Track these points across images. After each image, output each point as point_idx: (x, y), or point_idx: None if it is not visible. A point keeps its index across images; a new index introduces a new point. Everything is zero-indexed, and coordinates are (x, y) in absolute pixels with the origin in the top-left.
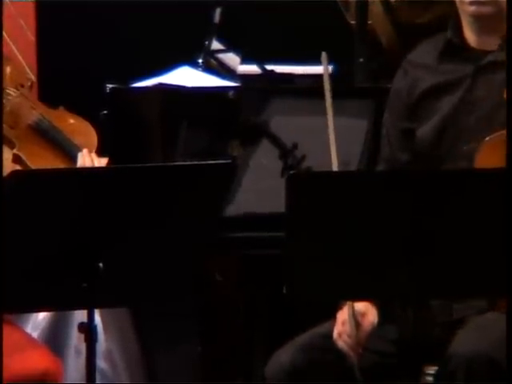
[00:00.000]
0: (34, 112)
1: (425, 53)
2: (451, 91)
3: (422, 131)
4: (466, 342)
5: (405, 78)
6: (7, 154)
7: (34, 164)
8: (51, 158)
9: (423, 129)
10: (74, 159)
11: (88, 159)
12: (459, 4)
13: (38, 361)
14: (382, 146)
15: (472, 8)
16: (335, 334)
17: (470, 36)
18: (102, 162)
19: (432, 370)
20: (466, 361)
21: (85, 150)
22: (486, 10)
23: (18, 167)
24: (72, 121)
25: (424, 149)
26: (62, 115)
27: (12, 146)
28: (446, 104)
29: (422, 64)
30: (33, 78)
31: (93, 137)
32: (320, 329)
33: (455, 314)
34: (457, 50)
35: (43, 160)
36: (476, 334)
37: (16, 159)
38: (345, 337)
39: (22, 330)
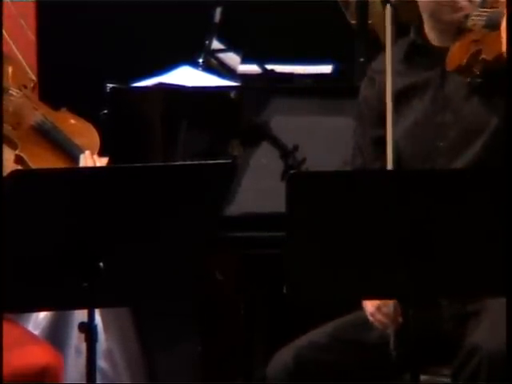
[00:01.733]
0: (37, 113)
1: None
2: (421, 92)
3: (396, 134)
4: (487, 338)
5: (372, 86)
6: (9, 155)
7: (35, 165)
8: (53, 159)
9: (397, 132)
10: (76, 160)
11: (90, 161)
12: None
13: (38, 355)
14: (353, 156)
15: (483, 20)
16: (372, 309)
17: (431, 35)
18: (103, 163)
19: (447, 368)
20: (489, 358)
21: (87, 152)
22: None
23: (19, 168)
24: (74, 122)
25: (399, 152)
26: (65, 116)
27: (14, 147)
28: (418, 105)
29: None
30: (35, 78)
31: (95, 138)
32: (323, 328)
33: (469, 307)
34: (421, 51)
35: (45, 161)
36: (496, 330)
37: (18, 160)
38: (384, 309)
39: (22, 326)
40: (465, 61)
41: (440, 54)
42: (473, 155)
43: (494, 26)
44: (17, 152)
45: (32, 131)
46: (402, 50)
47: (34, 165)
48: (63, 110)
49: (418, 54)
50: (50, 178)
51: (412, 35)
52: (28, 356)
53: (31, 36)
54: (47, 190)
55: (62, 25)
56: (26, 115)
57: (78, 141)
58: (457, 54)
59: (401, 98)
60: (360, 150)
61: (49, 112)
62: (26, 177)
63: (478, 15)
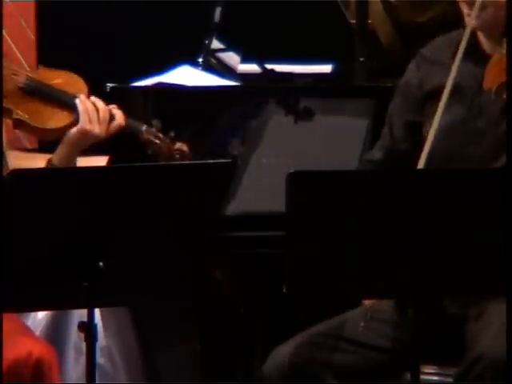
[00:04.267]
0: (20, 76)
1: (439, 49)
2: (462, 93)
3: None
4: (493, 344)
5: (417, 71)
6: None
7: (36, 122)
8: (51, 112)
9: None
10: (73, 108)
11: (89, 103)
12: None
13: (31, 348)
14: (384, 134)
15: (473, 22)
16: None
17: (483, 40)
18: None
19: (449, 370)
20: (494, 364)
21: (82, 96)
22: (486, 18)
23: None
24: (57, 74)
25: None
26: (46, 72)
27: (9, 114)
28: (456, 106)
29: (435, 60)
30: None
31: (81, 83)
32: (318, 327)
33: (469, 310)
34: (469, 52)
35: (43, 115)
36: (502, 335)
37: (17, 124)
38: None
39: (15, 319)
40: (495, 88)
41: (486, 59)
42: (502, 166)
43: None
44: (14, 117)
45: (22, 93)
46: (451, 44)
47: (34, 122)
48: (40, 67)
49: (466, 55)
50: (49, 177)
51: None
52: (21, 348)
53: (31, 35)
54: (47, 189)
55: (61, 24)
56: (9, 81)
57: (67, 89)
58: (490, 76)
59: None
60: (391, 129)
61: (31, 72)
62: (25, 176)
63: None
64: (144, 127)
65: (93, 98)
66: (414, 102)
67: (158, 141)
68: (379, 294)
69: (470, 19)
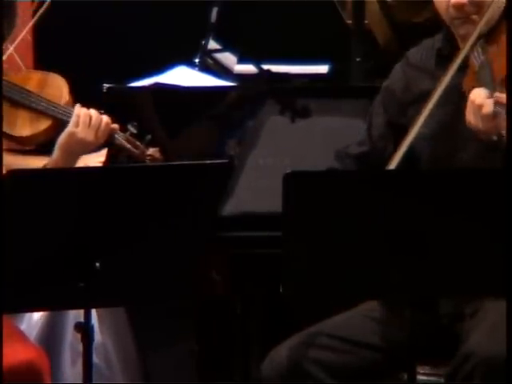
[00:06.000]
0: None
1: (422, 54)
2: (446, 97)
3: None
4: (483, 343)
5: (403, 75)
6: None
7: (14, 132)
8: (23, 120)
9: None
10: (47, 114)
11: (83, 109)
12: (445, 13)
13: (24, 354)
14: (362, 131)
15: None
16: None
17: (462, 44)
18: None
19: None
20: (484, 362)
21: (78, 104)
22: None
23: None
24: (36, 77)
25: (416, 153)
26: (26, 76)
27: None
28: (442, 110)
29: (421, 67)
30: None
31: (60, 83)
32: (315, 327)
33: (465, 307)
34: (448, 59)
35: (18, 125)
36: (493, 333)
37: None
38: None
39: (8, 324)
40: (467, 92)
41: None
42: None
43: (481, 80)
44: None
45: None
46: (434, 50)
47: (12, 132)
48: (23, 70)
49: (446, 61)
50: (47, 178)
51: (440, 43)
52: (12, 353)
53: (28, 36)
54: (45, 189)
55: (58, 25)
56: None
57: (44, 93)
58: (468, 80)
59: (426, 98)
60: (369, 127)
61: (10, 77)
62: (24, 176)
63: (477, 54)
64: (117, 132)
65: (85, 110)
66: (399, 105)
67: (130, 146)
68: (376, 294)
69: (475, 56)
